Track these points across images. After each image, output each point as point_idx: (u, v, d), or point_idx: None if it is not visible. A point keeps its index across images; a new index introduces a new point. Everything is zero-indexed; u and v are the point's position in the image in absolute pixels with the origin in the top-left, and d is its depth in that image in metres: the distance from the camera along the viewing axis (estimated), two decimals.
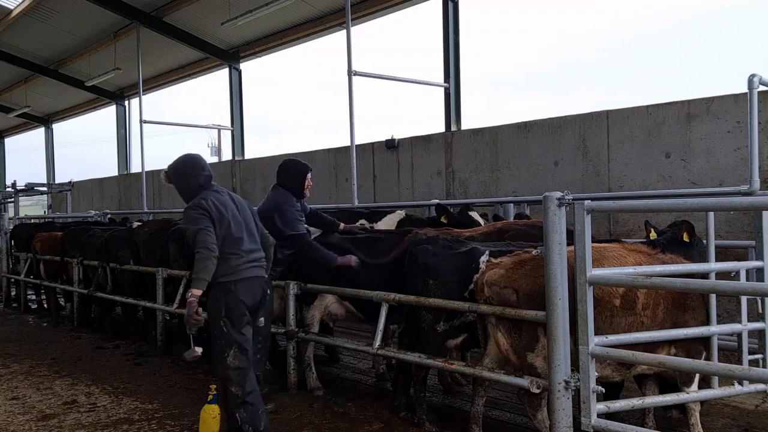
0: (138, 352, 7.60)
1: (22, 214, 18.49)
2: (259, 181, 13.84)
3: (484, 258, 4.63)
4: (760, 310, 4.31)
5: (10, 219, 13.90)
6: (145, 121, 14.66)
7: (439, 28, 10.78)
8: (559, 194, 3.93)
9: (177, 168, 4.67)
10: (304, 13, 13.13)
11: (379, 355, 5.10)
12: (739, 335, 4.26)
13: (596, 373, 3.87)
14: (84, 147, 75.05)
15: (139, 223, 9.50)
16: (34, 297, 11.79)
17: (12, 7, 15.23)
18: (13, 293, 12.12)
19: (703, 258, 4.60)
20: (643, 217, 7.48)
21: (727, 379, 4.19)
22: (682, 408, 4.36)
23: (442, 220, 6.38)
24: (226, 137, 20.51)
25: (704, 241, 4.69)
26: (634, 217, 7.67)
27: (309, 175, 5.76)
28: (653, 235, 4.83)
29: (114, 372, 6.73)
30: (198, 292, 4.20)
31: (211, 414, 4.50)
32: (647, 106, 7.72)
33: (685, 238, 4.74)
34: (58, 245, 9.80)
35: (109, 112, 20.49)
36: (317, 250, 5.49)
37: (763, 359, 4.26)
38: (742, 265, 4.29)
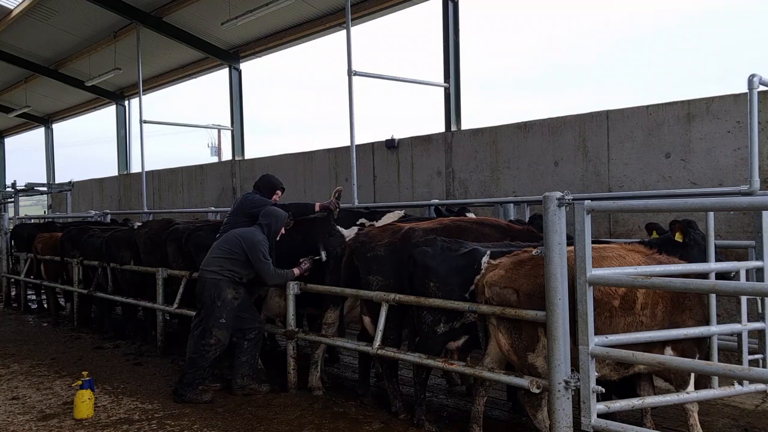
0: (138, 352, 7.60)
1: (22, 214, 18.48)
2: None
3: (485, 259, 4.62)
4: (760, 310, 4.31)
5: (10, 219, 13.90)
6: (145, 121, 14.65)
7: (439, 28, 10.79)
8: (559, 194, 3.93)
9: None
10: (304, 13, 13.13)
11: (379, 356, 5.10)
12: (739, 335, 4.26)
13: (596, 373, 3.87)
14: (84, 147, 75.14)
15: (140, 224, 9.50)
16: (34, 297, 11.79)
17: (12, 7, 15.22)
18: (13, 293, 12.12)
19: (705, 255, 4.59)
20: (643, 217, 7.50)
21: (727, 379, 4.18)
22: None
23: None
24: (226, 137, 20.51)
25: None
26: (634, 217, 7.67)
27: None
28: (655, 235, 4.81)
29: (114, 372, 6.73)
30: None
31: (81, 399, 5.21)
32: (647, 106, 7.72)
33: (678, 237, 4.74)
34: (59, 245, 9.80)
35: (109, 112, 20.51)
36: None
37: (763, 359, 4.26)
38: (742, 265, 4.29)
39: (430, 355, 4.80)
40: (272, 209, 5.98)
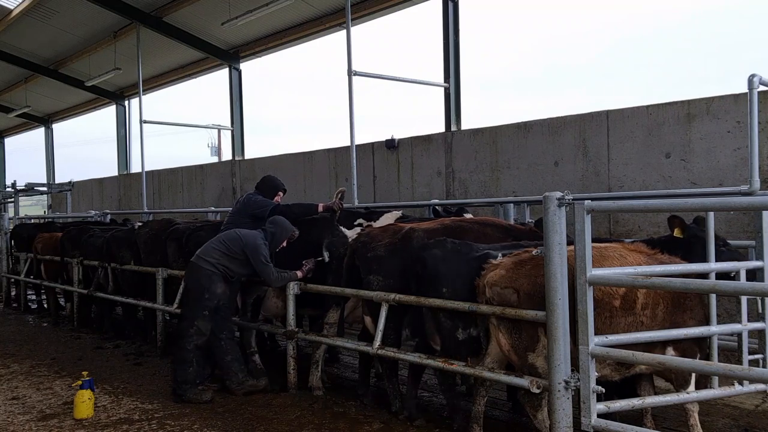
0: (138, 352, 7.61)
1: (22, 214, 18.48)
2: None
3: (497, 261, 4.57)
4: (760, 310, 4.31)
5: (10, 219, 13.90)
6: (145, 121, 14.66)
7: (439, 28, 10.79)
8: (559, 194, 3.93)
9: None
10: (304, 13, 13.13)
11: (379, 356, 5.10)
12: (739, 335, 4.26)
13: (596, 373, 3.87)
14: (84, 147, 75.23)
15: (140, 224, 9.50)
16: (34, 297, 11.79)
17: (12, 7, 15.23)
18: (13, 293, 12.12)
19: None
20: (643, 217, 7.52)
21: (727, 379, 4.18)
22: None
23: None
24: (226, 137, 20.51)
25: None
26: (634, 217, 7.67)
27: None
28: (678, 232, 4.78)
29: (114, 372, 6.73)
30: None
31: (81, 399, 5.22)
32: (647, 106, 7.72)
33: (677, 233, 4.72)
34: (59, 245, 9.80)
35: (109, 112, 20.52)
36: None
37: (763, 359, 4.26)
38: (742, 265, 4.28)
39: (429, 355, 4.80)
40: (281, 219, 5.98)
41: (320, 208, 6.25)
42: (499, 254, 4.61)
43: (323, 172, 12.25)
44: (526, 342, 4.17)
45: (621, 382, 4.34)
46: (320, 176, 12.30)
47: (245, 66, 15.63)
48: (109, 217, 13.46)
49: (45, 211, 21.89)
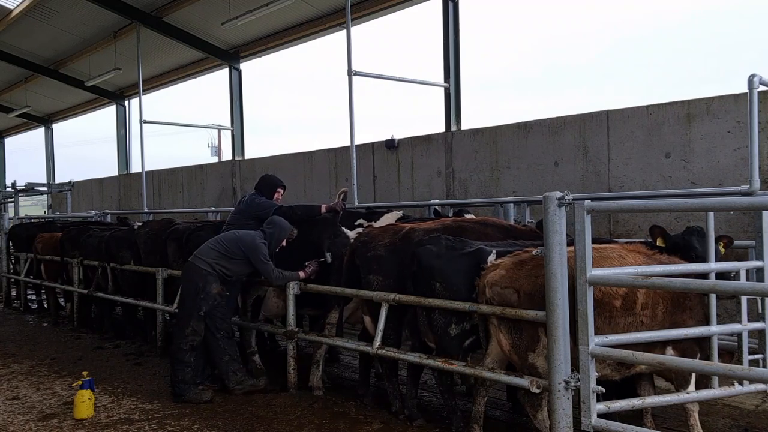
0: (138, 352, 7.61)
1: (22, 214, 18.48)
2: None
3: (491, 258, 4.59)
4: (760, 310, 4.31)
5: (10, 219, 13.90)
6: (145, 121, 14.66)
7: (439, 28, 10.79)
8: (559, 194, 3.93)
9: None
10: (304, 13, 13.14)
11: (379, 356, 5.10)
12: (739, 335, 4.25)
13: (596, 373, 3.87)
14: (84, 147, 75.27)
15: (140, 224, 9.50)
16: (34, 297, 11.79)
17: (12, 7, 15.23)
18: (13, 293, 12.12)
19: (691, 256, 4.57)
20: (643, 217, 7.52)
21: (727, 379, 4.18)
22: None
23: None
24: (226, 137, 20.52)
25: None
26: (634, 217, 7.68)
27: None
28: (660, 242, 4.76)
29: (114, 372, 6.73)
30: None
31: (81, 399, 5.21)
32: (647, 106, 7.72)
33: (659, 243, 4.72)
34: (59, 245, 9.80)
35: (109, 112, 20.53)
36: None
37: (763, 359, 4.26)
38: (742, 265, 4.28)
39: (429, 355, 4.80)
40: (279, 219, 5.99)
41: (323, 209, 6.24)
42: (494, 250, 4.63)
43: (323, 172, 12.25)
44: (527, 342, 4.17)
45: (621, 381, 4.34)
46: (320, 176, 12.31)
47: (245, 66, 15.65)
48: (109, 217, 13.46)
49: (45, 211, 21.89)
